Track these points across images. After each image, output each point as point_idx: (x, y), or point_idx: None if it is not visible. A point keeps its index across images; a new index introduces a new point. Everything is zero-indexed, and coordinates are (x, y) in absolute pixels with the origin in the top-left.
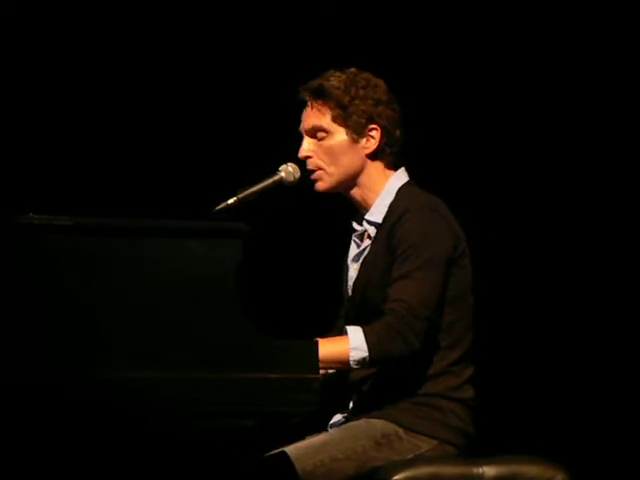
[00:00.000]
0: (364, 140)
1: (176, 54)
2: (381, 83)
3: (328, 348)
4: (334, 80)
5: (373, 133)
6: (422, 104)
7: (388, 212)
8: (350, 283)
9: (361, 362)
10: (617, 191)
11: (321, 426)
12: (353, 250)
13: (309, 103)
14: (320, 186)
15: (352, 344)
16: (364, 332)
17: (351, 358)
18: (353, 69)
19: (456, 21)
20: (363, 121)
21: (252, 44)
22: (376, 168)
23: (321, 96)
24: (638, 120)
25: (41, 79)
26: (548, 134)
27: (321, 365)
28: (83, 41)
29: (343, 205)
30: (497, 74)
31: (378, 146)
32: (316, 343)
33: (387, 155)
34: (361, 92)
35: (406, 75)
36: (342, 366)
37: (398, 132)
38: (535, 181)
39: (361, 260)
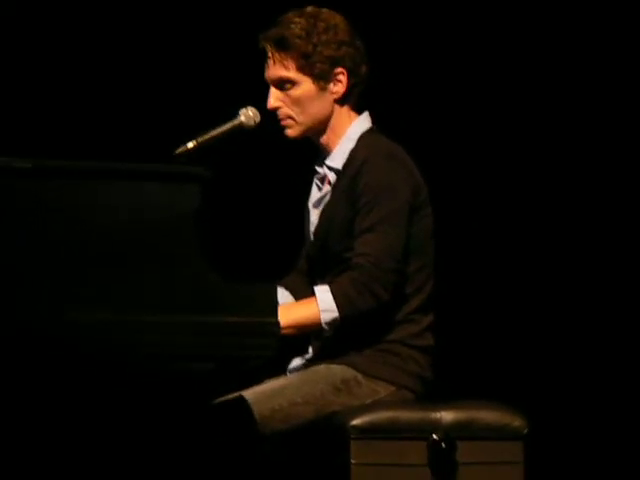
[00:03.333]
0: (331, 85)
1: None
2: (340, 20)
3: (298, 313)
4: (295, 28)
5: (340, 77)
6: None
7: (348, 159)
8: (312, 228)
9: (332, 323)
10: (596, 169)
11: (280, 370)
12: (315, 194)
13: (271, 54)
14: (290, 133)
15: (321, 306)
16: (332, 292)
17: (322, 321)
18: (310, 8)
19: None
20: (327, 67)
21: None
22: (343, 111)
23: (283, 47)
24: (632, 119)
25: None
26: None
27: (293, 330)
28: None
29: (305, 148)
30: (488, 54)
31: (346, 89)
32: (274, 286)
33: (354, 97)
34: (323, 37)
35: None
36: (314, 329)
37: (364, 68)
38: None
39: (322, 207)
